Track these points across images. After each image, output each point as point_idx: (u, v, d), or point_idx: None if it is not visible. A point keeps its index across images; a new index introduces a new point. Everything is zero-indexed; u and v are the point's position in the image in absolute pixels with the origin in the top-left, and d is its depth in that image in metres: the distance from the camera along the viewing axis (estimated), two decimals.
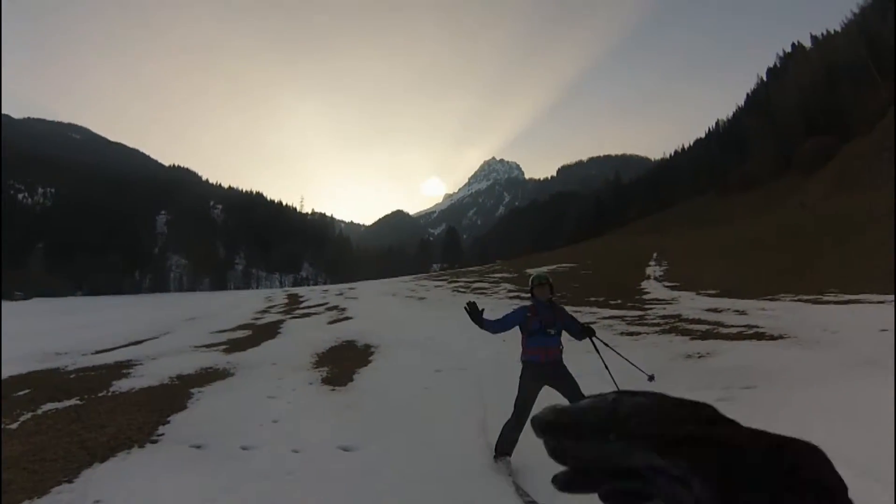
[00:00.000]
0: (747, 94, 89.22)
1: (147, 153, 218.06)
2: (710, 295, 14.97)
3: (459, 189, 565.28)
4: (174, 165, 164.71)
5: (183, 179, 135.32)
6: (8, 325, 20.47)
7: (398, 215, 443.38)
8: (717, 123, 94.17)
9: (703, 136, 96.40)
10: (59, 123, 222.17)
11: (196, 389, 6.16)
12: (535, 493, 3.24)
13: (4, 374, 7.99)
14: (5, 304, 41.67)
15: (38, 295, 54.19)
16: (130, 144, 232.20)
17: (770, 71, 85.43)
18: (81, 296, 71.05)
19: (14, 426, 4.95)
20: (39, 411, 5.43)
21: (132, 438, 4.34)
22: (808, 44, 76.02)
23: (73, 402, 5.79)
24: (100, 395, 6.10)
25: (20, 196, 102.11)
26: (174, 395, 5.88)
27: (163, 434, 4.49)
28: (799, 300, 11.86)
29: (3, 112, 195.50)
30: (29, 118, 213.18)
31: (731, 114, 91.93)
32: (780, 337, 7.47)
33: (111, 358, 9.17)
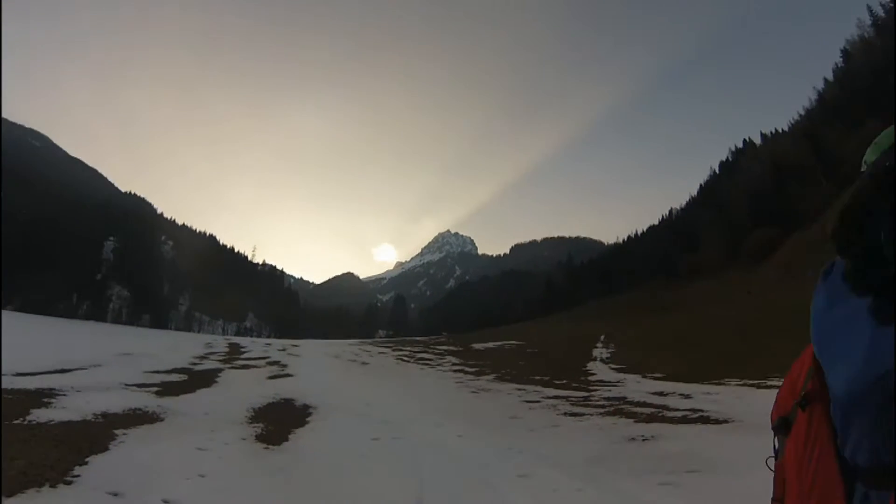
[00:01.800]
0: (700, 185, 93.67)
1: (105, 174, 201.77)
2: (656, 378, 15.12)
3: (412, 258, 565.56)
4: (130, 192, 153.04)
5: (137, 208, 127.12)
6: None
7: (348, 277, 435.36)
8: (670, 212, 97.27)
9: (656, 223, 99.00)
10: (23, 127, 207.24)
11: (121, 431, 5.77)
12: None
13: None
14: None
15: None
16: (90, 163, 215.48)
17: (722, 164, 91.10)
18: (10, 311, 63.76)
19: None
20: None
21: (44, 476, 4.00)
22: (758, 140, 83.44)
23: None
24: (14, 422, 5.63)
25: None
26: (96, 434, 5.49)
27: (78, 475, 4.16)
28: (744, 384, 12.00)
29: None
30: None
31: (684, 203, 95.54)
32: (725, 421, 7.52)
33: (32, 383, 8.43)
